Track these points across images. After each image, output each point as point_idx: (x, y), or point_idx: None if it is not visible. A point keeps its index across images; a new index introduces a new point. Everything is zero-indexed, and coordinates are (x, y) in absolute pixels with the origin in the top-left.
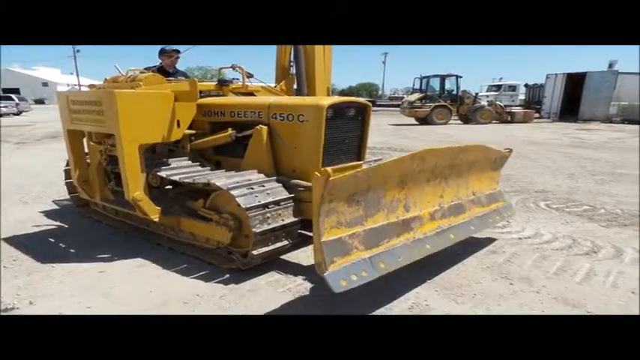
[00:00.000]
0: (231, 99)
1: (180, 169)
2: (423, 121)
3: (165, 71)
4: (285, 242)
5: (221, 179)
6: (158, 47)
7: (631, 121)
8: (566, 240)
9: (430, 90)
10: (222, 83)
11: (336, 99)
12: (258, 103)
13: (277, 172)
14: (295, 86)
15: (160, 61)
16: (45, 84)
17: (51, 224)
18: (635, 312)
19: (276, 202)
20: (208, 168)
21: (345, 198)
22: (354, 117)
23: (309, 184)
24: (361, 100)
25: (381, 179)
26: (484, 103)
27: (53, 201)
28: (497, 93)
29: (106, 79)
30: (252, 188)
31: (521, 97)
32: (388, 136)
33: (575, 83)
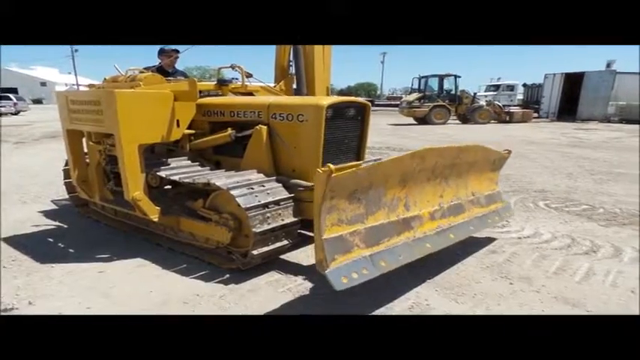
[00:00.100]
0: (230, 99)
1: (180, 169)
2: (422, 120)
3: (165, 71)
4: (285, 242)
5: (221, 179)
6: (156, 47)
7: (629, 121)
8: (566, 239)
9: (429, 90)
10: (222, 83)
11: (336, 99)
12: (257, 102)
13: (277, 172)
14: (294, 86)
15: (159, 60)
16: (43, 84)
17: (50, 224)
18: (634, 311)
19: (276, 202)
20: (208, 168)
21: (346, 195)
22: (354, 117)
23: (308, 183)
24: (361, 99)
25: (382, 177)
26: (482, 102)
27: (52, 201)
28: (495, 93)
29: (105, 78)
30: (252, 188)
31: (520, 96)
32: (387, 136)
33: (573, 83)
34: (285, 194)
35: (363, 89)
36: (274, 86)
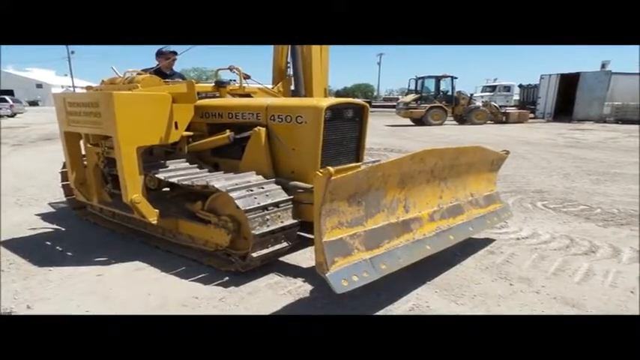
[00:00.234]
0: (229, 100)
1: (179, 171)
2: (419, 122)
3: (162, 73)
4: (285, 244)
5: (220, 181)
6: (154, 48)
7: (625, 121)
8: (564, 240)
9: (425, 91)
10: (220, 85)
11: (335, 100)
12: (256, 104)
13: (276, 173)
14: (292, 87)
15: (157, 62)
16: (39, 85)
17: (47, 227)
18: (634, 311)
19: (276, 204)
20: (206, 170)
21: (346, 198)
22: (352, 118)
23: (308, 185)
24: (359, 101)
25: (381, 179)
26: (479, 103)
27: (49, 203)
28: (492, 94)
29: (103, 80)
30: (251, 190)
31: (516, 97)
32: (385, 137)
33: (568, 84)
34: (284, 196)
35: (359, 90)
36: (272, 88)
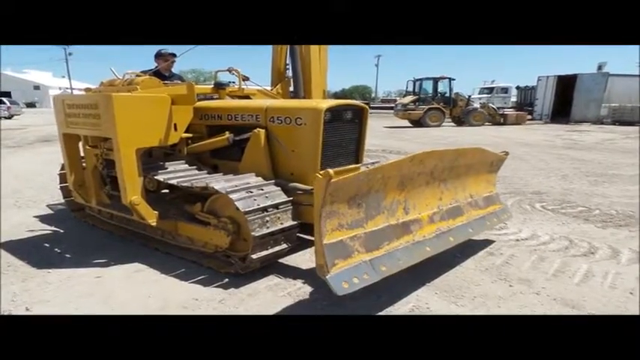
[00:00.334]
0: (228, 102)
1: (178, 173)
2: (417, 123)
3: (162, 75)
4: (284, 246)
5: (219, 183)
6: (151, 50)
7: (622, 123)
8: (563, 241)
9: (423, 92)
10: (219, 86)
11: (334, 102)
12: (255, 106)
13: (275, 175)
14: (291, 89)
15: (156, 64)
16: (36, 87)
17: (45, 229)
18: (634, 312)
19: (275, 206)
20: (205, 171)
21: (346, 200)
22: (352, 120)
23: (307, 187)
24: (359, 102)
25: (381, 181)
26: (477, 105)
27: (47, 205)
28: (489, 95)
29: (102, 82)
30: (250, 192)
31: (513, 99)
32: (383, 139)
33: (566, 85)
34: (284, 198)
35: (357, 92)
36: (271, 89)
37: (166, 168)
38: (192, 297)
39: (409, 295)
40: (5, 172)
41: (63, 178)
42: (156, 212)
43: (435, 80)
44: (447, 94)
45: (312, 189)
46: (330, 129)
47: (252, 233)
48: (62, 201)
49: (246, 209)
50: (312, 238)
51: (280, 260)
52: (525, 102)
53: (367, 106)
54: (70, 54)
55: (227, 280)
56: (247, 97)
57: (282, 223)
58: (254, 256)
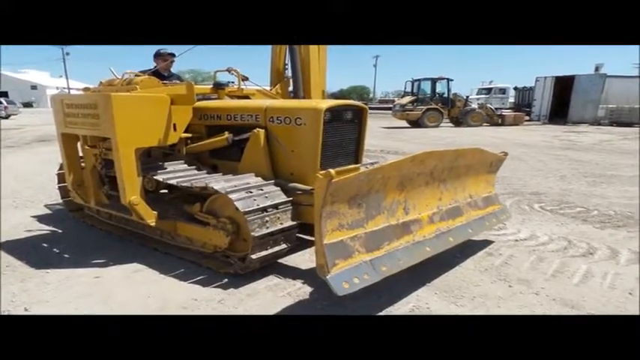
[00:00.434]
0: (227, 102)
1: (177, 173)
2: (415, 124)
3: (160, 74)
4: (284, 246)
5: (219, 183)
6: (150, 50)
7: (619, 124)
8: (562, 242)
9: (421, 93)
10: (218, 86)
11: (334, 102)
12: (255, 106)
13: (275, 175)
14: (290, 89)
15: (155, 64)
16: (34, 87)
17: (44, 229)
18: (633, 312)
19: (275, 206)
20: (205, 172)
21: (346, 200)
22: (352, 120)
23: (307, 187)
24: (358, 103)
25: (381, 181)
26: (475, 106)
27: (45, 205)
28: (487, 96)
29: (101, 82)
30: (250, 192)
31: (511, 100)
32: (381, 139)
33: (563, 86)
34: (283, 198)
35: (355, 92)
36: (270, 89)
37: (165, 168)
38: (192, 297)
39: (409, 295)
40: (3, 172)
41: (61, 178)
42: (155, 212)
43: (433, 81)
44: (445, 95)
45: (311, 189)
46: (329, 129)
47: (252, 233)
48: (60, 201)
49: (246, 209)
50: (312, 239)
51: (280, 260)
52: (523, 103)
53: (366, 107)
54: (67, 54)
55: (226, 280)
56: (246, 97)
57: (281, 224)
58: (254, 257)
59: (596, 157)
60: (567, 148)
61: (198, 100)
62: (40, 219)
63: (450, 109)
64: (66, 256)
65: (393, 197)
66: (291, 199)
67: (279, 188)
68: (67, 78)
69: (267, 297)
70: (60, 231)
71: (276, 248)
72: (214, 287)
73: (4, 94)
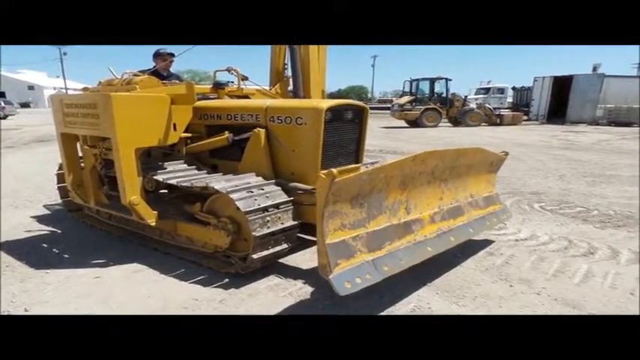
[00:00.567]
0: (227, 102)
1: (177, 173)
2: (413, 123)
3: (160, 74)
4: (285, 246)
5: (220, 182)
6: (149, 50)
7: (617, 124)
8: (563, 241)
9: (420, 93)
10: (218, 86)
11: (334, 102)
12: (255, 105)
13: (275, 175)
14: (290, 88)
15: (154, 64)
16: (31, 87)
17: (43, 229)
18: (634, 312)
19: (276, 206)
20: (205, 171)
21: (348, 199)
22: (352, 120)
23: (308, 187)
24: (359, 102)
25: (383, 181)
26: (473, 105)
27: (44, 205)
28: (485, 96)
29: (100, 82)
30: (251, 191)
31: (510, 99)
32: (380, 139)
33: (562, 86)
34: (284, 197)
35: (354, 92)
36: (270, 89)
37: (165, 168)
38: (192, 297)
39: (410, 295)
40: (4, 173)
41: (61, 178)
42: (155, 212)
43: (432, 81)
44: (444, 95)
45: (312, 189)
46: (330, 129)
47: (253, 233)
48: (59, 201)
49: (247, 209)
50: (313, 238)
51: (281, 260)
52: (521, 102)
53: (367, 106)
54: (64, 54)
55: (227, 280)
56: (246, 96)
57: (282, 223)
58: (255, 256)
59: (594, 156)
60: (566, 148)
61: (198, 99)
62: (40, 219)
63: (449, 108)
64: (66, 256)
65: (395, 197)
66: (292, 198)
67: (280, 188)
68: (64, 78)
69: (268, 297)
70: (59, 231)
71: (277, 248)
72: (215, 287)
73: (2, 95)
